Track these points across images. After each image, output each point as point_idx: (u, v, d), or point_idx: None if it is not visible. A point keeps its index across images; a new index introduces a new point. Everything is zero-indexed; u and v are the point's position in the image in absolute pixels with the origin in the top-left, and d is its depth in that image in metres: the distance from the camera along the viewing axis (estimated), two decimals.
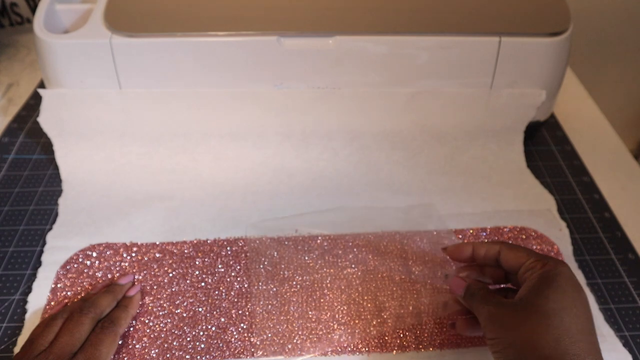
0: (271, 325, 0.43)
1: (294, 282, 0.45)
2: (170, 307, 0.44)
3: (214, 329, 0.42)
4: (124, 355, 0.41)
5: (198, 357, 0.41)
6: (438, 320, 0.42)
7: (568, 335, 0.31)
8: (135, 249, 0.48)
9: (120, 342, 0.41)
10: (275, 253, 0.47)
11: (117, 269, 0.46)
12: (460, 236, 0.49)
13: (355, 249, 0.47)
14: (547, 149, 0.61)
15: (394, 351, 0.41)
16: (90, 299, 0.41)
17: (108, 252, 0.47)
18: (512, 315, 0.33)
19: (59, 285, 0.45)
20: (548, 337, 0.31)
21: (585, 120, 0.66)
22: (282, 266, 0.46)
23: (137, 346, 0.41)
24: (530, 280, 0.34)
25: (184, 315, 0.43)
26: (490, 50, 0.51)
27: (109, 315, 0.40)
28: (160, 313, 0.43)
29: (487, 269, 0.40)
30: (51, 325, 0.38)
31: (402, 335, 0.42)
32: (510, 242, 0.45)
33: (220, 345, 0.41)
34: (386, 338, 0.42)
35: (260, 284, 0.45)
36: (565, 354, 0.30)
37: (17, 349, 0.41)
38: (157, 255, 0.47)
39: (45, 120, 0.53)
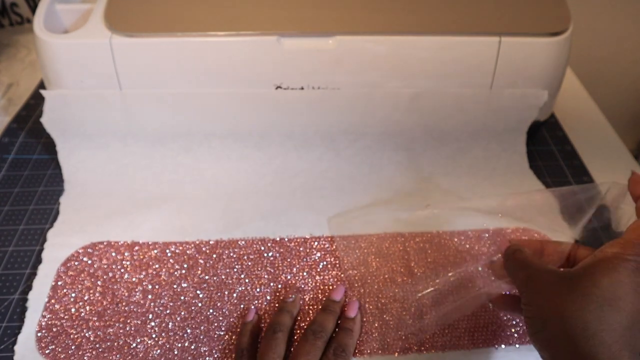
0: None
1: (294, 283, 0.45)
2: (172, 307, 0.44)
3: (216, 330, 0.42)
4: (125, 355, 0.41)
5: (200, 359, 0.41)
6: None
7: (601, 322, 0.28)
8: (136, 248, 0.48)
9: (120, 342, 0.41)
10: (278, 254, 0.47)
11: (119, 267, 0.46)
12: (462, 237, 0.49)
13: (357, 250, 0.47)
14: (547, 149, 0.61)
15: (396, 353, 0.41)
16: (317, 321, 0.40)
17: (109, 251, 0.47)
18: (552, 283, 0.31)
19: (59, 283, 0.45)
20: (585, 317, 0.29)
21: (585, 120, 0.66)
22: (283, 268, 0.46)
23: (138, 346, 0.41)
24: (595, 257, 0.31)
25: (186, 315, 0.43)
26: (490, 50, 0.51)
27: (339, 343, 0.39)
28: (162, 313, 0.43)
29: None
30: (275, 339, 0.38)
31: (404, 337, 0.42)
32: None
33: (222, 346, 0.41)
34: (388, 340, 0.42)
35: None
36: (594, 336, 0.28)
37: (17, 347, 0.41)
38: (159, 254, 0.47)
39: (48, 121, 0.53)
